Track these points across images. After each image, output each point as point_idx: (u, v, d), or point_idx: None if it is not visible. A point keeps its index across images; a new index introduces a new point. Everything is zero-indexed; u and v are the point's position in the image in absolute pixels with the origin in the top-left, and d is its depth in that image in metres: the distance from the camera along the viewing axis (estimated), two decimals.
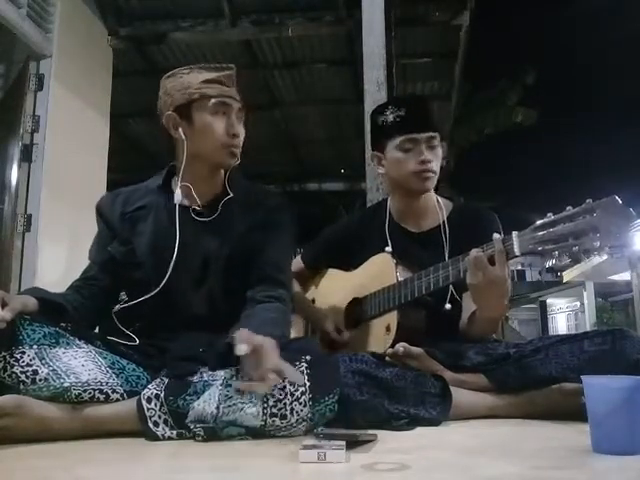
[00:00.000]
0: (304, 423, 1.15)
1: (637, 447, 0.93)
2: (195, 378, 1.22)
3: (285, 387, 1.14)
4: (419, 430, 1.26)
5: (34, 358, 1.19)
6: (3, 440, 1.09)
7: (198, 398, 1.17)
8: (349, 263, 1.83)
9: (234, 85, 1.49)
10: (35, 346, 1.21)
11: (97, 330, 1.49)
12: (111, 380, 1.23)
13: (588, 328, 13.23)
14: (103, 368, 1.25)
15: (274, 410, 1.14)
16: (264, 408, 1.14)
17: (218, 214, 1.47)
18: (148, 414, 1.16)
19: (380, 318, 1.67)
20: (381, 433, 1.14)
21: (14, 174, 3.18)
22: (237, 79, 1.50)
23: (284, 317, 1.39)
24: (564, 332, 17.62)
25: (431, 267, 1.52)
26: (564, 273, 16.05)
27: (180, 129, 1.46)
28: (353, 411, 1.23)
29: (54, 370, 1.18)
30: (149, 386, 1.21)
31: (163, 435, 1.16)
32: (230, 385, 1.16)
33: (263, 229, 1.48)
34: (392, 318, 1.62)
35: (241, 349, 1.11)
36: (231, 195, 1.50)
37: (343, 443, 0.96)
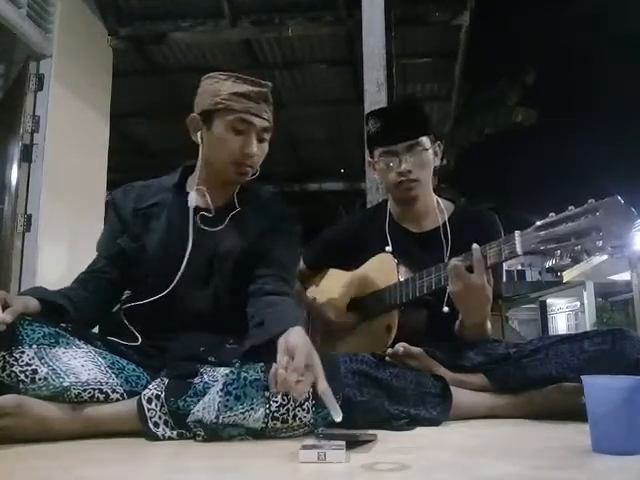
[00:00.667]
0: (305, 427, 1.15)
1: (637, 447, 0.93)
2: (195, 379, 1.22)
3: (289, 392, 1.13)
4: (419, 430, 1.26)
5: (33, 357, 1.19)
6: (3, 440, 1.09)
7: (198, 400, 1.17)
8: (350, 263, 1.84)
9: (265, 102, 1.45)
10: (35, 346, 1.21)
11: (97, 330, 1.49)
12: (111, 380, 1.23)
13: (588, 328, 13.22)
14: (103, 368, 1.25)
15: (276, 414, 1.14)
16: (266, 412, 1.13)
17: (226, 224, 1.47)
18: (148, 414, 1.16)
19: (380, 318, 1.67)
20: (381, 433, 1.14)
21: (14, 174, 3.18)
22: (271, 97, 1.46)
23: (299, 310, 1.40)
24: (564, 332, 17.61)
25: (432, 267, 1.53)
26: (564, 273, 16.07)
27: (199, 133, 1.46)
28: (353, 411, 1.22)
29: (54, 370, 1.18)
30: (149, 386, 1.20)
31: (163, 435, 1.15)
32: (230, 393, 1.14)
33: (271, 234, 1.48)
34: (392, 318, 1.62)
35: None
36: (238, 209, 1.50)
37: (343, 443, 0.96)
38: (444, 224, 1.71)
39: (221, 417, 1.12)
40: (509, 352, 1.47)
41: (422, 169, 1.69)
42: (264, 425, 1.13)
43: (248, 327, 1.30)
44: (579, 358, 1.35)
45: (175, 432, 1.16)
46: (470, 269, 1.41)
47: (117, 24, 4.01)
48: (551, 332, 19.85)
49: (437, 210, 1.75)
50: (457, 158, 9.25)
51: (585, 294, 16.79)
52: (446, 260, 1.57)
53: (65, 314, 1.33)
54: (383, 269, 1.69)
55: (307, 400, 1.14)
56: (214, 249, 1.45)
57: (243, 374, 1.16)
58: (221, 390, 1.15)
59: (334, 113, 5.45)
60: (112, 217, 1.53)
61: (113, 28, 4.00)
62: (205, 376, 1.23)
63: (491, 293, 1.44)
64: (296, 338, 1.12)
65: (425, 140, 1.70)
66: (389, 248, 1.71)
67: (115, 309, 1.48)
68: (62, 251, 3.36)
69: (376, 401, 1.27)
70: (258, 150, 1.45)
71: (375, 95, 2.78)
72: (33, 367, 1.17)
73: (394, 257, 1.68)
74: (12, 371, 1.17)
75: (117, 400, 1.21)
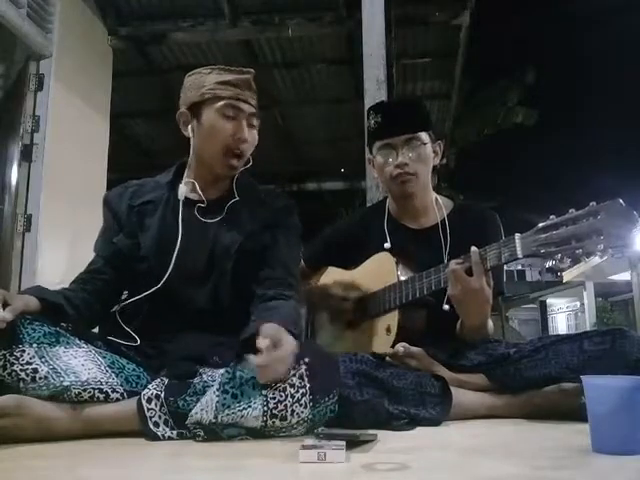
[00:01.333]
0: (304, 424, 1.15)
1: (637, 447, 0.93)
2: (195, 379, 1.22)
3: (286, 389, 1.14)
4: (419, 430, 1.26)
5: (34, 356, 1.19)
6: (3, 440, 1.09)
7: (198, 399, 1.17)
8: (350, 262, 1.84)
9: (250, 90, 1.48)
10: (35, 345, 1.20)
11: (97, 330, 1.49)
12: (111, 379, 1.23)
13: (588, 328, 13.21)
14: (103, 367, 1.25)
15: (274, 412, 1.13)
16: (264, 410, 1.13)
17: (224, 216, 1.48)
18: (148, 414, 1.16)
19: (380, 318, 1.67)
20: (381, 433, 1.14)
21: (14, 174, 3.18)
22: (255, 84, 1.49)
23: (299, 317, 1.40)
24: (564, 332, 17.61)
25: (432, 269, 1.53)
26: (564, 273, 16.07)
27: (189, 127, 1.47)
28: (353, 412, 1.22)
29: (54, 369, 1.18)
30: (149, 386, 1.20)
31: (163, 435, 1.15)
32: (227, 392, 1.14)
33: (272, 229, 1.49)
34: (392, 318, 1.62)
35: (263, 342, 1.11)
36: (237, 198, 1.51)
37: (343, 443, 0.96)
38: (443, 221, 1.71)
39: (219, 416, 1.12)
40: (509, 352, 1.47)
41: (420, 164, 1.69)
42: (263, 423, 1.13)
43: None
44: (579, 358, 1.35)
45: (175, 432, 1.16)
46: (469, 272, 1.41)
47: (117, 24, 4.01)
48: (551, 332, 19.84)
49: (435, 207, 1.75)
50: (457, 158, 9.24)
51: (585, 294, 16.79)
52: (445, 257, 1.58)
53: (65, 314, 1.33)
54: (382, 268, 1.69)
55: (304, 395, 1.15)
56: (213, 242, 1.45)
57: (239, 373, 1.16)
58: (218, 389, 1.15)
59: (334, 113, 5.45)
60: (107, 217, 1.54)
61: (113, 28, 4.00)
62: (204, 376, 1.23)
63: (490, 295, 1.44)
64: (270, 327, 1.16)
65: (424, 135, 1.70)
66: (388, 245, 1.71)
67: (114, 309, 1.47)
68: (62, 251, 3.35)
69: (376, 401, 1.27)
70: (249, 136, 1.47)
71: (375, 95, 2.78)
72: (33, 366, 1.17)
73: (393, 255, 1.68)
74: (13, 370, 1.17)
75: (117, 400, 1.21)
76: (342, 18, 3.85)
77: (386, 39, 2.95)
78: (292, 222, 1.54)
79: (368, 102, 2.73)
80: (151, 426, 1.15)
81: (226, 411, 1.12)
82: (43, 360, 1.19)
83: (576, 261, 1.26)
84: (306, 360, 1.17)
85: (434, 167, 1.76)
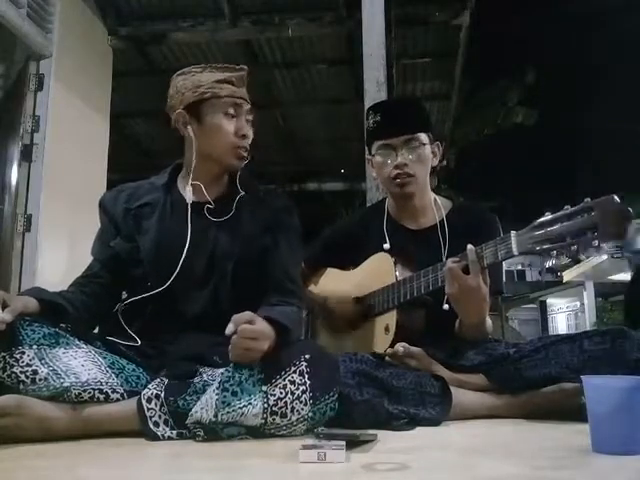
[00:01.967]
0: (304, 422, 1.15)
1: (637, 447, 0.93)
2: (195, 379, 1.22)
3: (286, 386, 1.14)
4: (419, 430, 1.26)
5: (34, 358, 1.19)
6: (3, 440, 1.09)
7: (198, 398, 1.17)
8: (349, 262, 1.84)
9: (244, 86, 1.49)
10: (35, 346, 1.21)
11: (97, 331, 1.49)
12: (111, 380, 1.23)
13: (588, 328, 13.21)
14: (103, 368, 1.25)
15: (274, 409, 1.14)
16: (265, 407, 1.13)
17: (233, 213, 1.48)
18: (148, 414, 1.16)
19: (379, 318, 1.67)
20: (381, 433, 1.14)
21: (14, 174, 3.18)
22: (247, 80, 1.50)
23: (298, 317, 1.41)
24: (564, 332, 17.61)
25: (429, 268, 1.53)
26: (564, 273, 16.06)
27: (189, 127, 1.46)
28: (353, 411, 1.23)
29: (54, 370, 1.18)
30: (149, 386, 1.21)
31: (163, 435, 1.15)
32: (227, 389, 1.14)
33: (273, 232, 1.48)
34: (391, 318, 1.62)
35: (229, 328, 1.13)
36: (242, 193, 1.50)
37: (343, 443, 0.96)
38: (442, 221, 1.71)
39: (220, 415, 1.12)
40: (509, 352, 1.47)
41: (418, 164, 1.69)
42: (263, 421, 1.13)
43: None
44: (579, 358, 1.35)
45: (175, 432, 1.16)
46: (466, 270, 1.41)
47: (117, 24, 4.01)
48: (551, 332, 19.83)
49: (434, 207, 1.75)
50: (457, 158, 9.24)
51: (585, 294, 16.77)
52: (444, 257, 1.58)
53: (64, 315, 1.33)
54: (381, 268, 1.69)
55: (304, 392, 1.15)
56: (213, 244, 1.45)
57: (238, 371, 1.16)
58: (217, 388, 1.15)
59: (334, 113, 5.45)
60: (103, 220, 1.53)
61: (113, 28, 4.00)
62: (205, 375, 1.23)
63: (488, 293, 1.44)
64: (246, 313, 1.17)
65: (423, 136, 1.70)
66: (387, 245, 1.71)
67: (115, 310, 1.47)
68: (62, 251, 3.35)
69: (376, 401, 1.27)
70: (249, 132, 1.48)
71: (375, 95, 2.79)
72: (33, 368, 1.17)
73: (392, 255, 1.68)
74: (12, 372, 1.17)
75: (117, 400, 1.21)
76: (342, 18, 3.85)
77: (386, 39, 2.95)
78: (293, 223, 1.54)
79: (368, 102, 2.73)
80: (151, 426, 1.15)
81: (226, 409, 1.12)
82: (43, 362, 1.19)
83: (573, 258, 1.26)
84: (306, 356, 1.17)
85: (433, 168, 1.76)
